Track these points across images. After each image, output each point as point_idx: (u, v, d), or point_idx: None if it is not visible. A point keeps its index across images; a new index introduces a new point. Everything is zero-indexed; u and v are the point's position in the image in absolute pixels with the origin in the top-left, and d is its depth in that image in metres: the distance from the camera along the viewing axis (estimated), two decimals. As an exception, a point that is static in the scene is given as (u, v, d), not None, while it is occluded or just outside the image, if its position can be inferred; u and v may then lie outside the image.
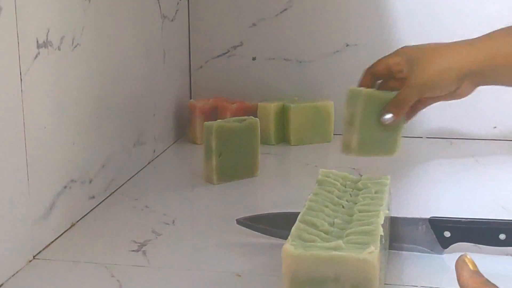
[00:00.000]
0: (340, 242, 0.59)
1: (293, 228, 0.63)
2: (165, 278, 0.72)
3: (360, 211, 0.68)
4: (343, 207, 0.70)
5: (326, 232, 0.63)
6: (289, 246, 0.59)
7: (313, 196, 0.71)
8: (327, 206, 0.69)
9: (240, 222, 0.81)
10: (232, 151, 1.03)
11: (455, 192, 1.01)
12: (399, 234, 0.76)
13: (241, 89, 1.36)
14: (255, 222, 0.80)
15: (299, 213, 0.67)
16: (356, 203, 0.70)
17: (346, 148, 0.90)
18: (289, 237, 0.61)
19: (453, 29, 1.25)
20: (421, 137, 1.30)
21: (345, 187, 0.76)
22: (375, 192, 0.73)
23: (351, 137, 0.88)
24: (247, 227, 0.80)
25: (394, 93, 0.86)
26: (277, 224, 0.78)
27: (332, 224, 0.65)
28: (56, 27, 0.80)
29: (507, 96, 1.26)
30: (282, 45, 1.34)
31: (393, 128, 0.88)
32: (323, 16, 1.31)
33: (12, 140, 0.71)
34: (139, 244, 0.80)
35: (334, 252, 0.58)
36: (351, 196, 0.74)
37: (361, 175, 0.79)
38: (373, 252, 0.57)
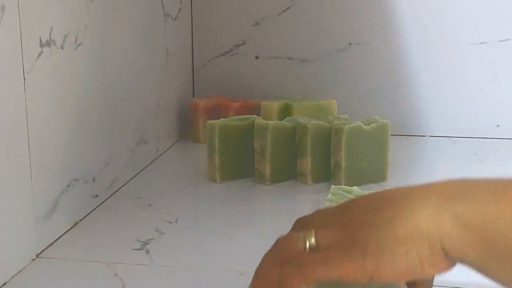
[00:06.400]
0: None
1: None
2: (168, 277, 0.72)
3: None
4: None
5: None
6: None
7: (331, 196, 0.71)
8: None
9: None
10: (235, 149, 1.03)
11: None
12: None
13: (244, 87, 1.35)
14: None
15: None
16: None
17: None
18: None
19: (456, 28, 1.25)
20: (424, 136, 1.30)
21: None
22: None
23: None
24: None
25: None
26: None
27: None
28: (59, 26, 0.80)
29: (511, 95, 1.26)
30: (285, 43, 1.34)
31: None
32: (326, 14, 1.31)
33: (15, 139, 0.71)
34: (142, 243, 0.80)
35: None
36: None
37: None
38: None
